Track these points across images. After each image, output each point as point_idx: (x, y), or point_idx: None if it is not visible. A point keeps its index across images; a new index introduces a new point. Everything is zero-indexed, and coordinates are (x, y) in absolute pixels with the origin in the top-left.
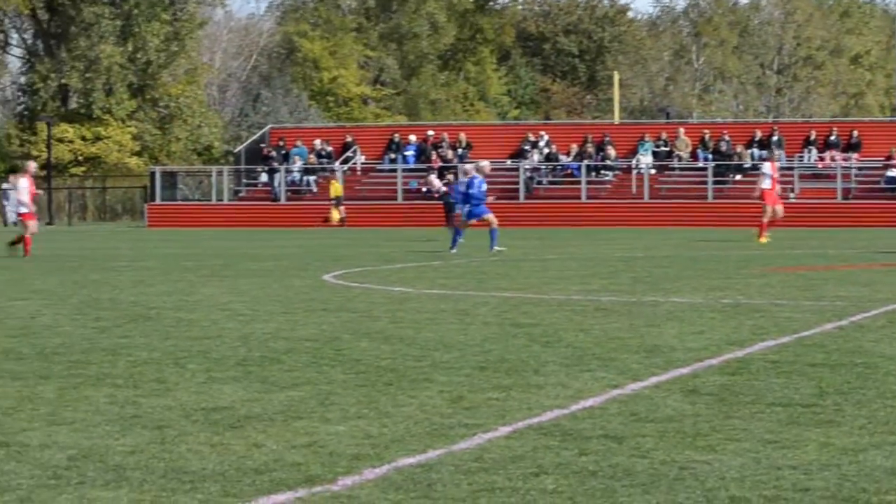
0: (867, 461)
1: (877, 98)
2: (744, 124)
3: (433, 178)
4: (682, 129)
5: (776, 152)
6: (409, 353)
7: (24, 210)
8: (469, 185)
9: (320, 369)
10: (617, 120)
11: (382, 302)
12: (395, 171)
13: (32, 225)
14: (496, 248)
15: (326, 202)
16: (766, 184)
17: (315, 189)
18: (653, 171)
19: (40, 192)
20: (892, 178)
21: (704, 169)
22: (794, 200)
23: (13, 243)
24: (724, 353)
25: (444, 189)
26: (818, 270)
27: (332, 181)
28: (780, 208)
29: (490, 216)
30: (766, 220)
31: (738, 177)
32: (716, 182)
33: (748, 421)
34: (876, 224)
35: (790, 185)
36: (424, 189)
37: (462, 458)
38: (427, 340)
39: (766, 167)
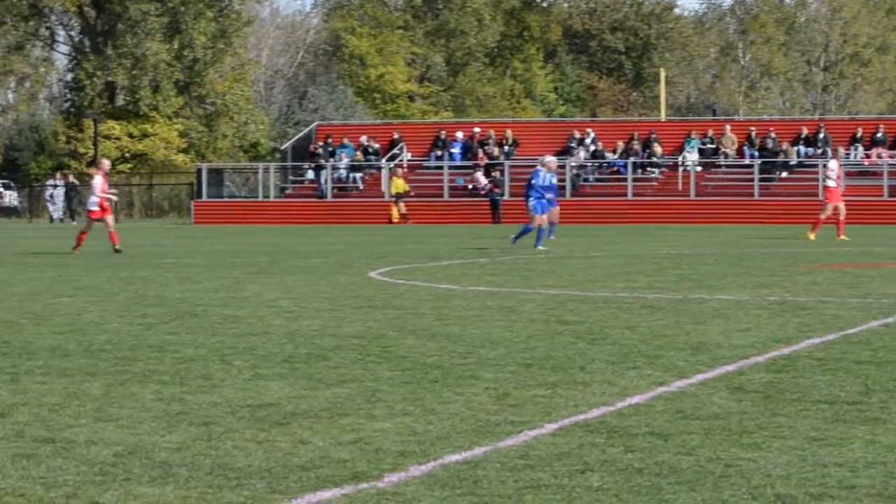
0: None
1: None
2: (790, 121)
3: (479, 175)
4: (728, 127)
5: (840, 150)
6: (455, 350)
7: (93, 208)
8: (533, 176)
9: (366, 366)
10: (663, 117)
11: (428, 299)
12: (441, 168)
13: (91, 223)
14: (540, 246)
15: (376, 199)
16: (831, 182)
17: (361, 186)
18: (699, 169)
19: (113, 192)
20: None
21: (750, 166)
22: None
23: (116, 250)
24: (769, 351)
25: (489, 186)
26: (864, 268)
27: (394, 178)
28: (842, 206)
29: (539, 215)
30: (823, 216)
31: (784, 174)
32: (762, 179)
33: (794, 418)
34: None
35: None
36: (470, 186)
37: (508, 456)
38: (473, 337)
39: (833, 164)
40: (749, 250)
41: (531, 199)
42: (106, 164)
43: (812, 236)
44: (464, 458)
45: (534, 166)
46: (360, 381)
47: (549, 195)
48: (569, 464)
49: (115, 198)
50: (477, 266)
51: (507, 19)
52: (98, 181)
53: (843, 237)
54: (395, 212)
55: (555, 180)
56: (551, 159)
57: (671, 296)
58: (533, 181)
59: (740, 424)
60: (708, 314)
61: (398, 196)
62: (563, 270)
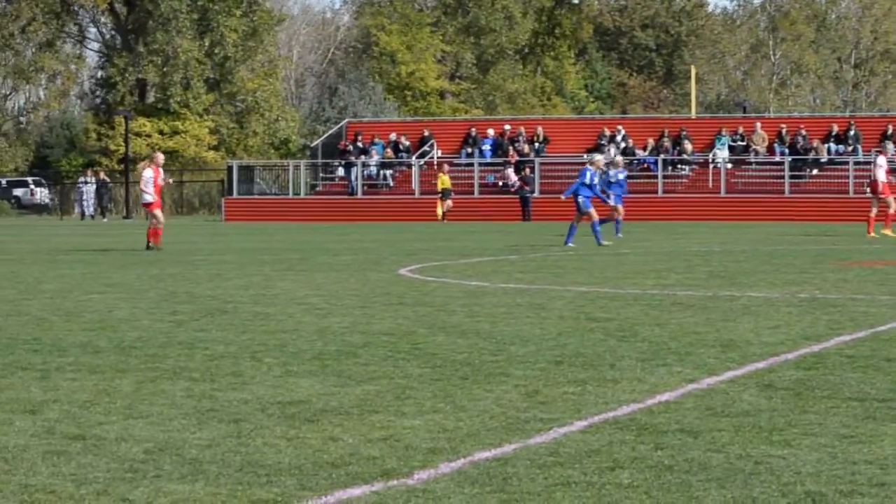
0: None
1: None
2: (820, 118)
3: (509, 172)
4: (758, 124)
5: (889, 145)
6: (485, 347)
7: (148, 199)
8: (580, 175)
9: (396, 363)
10: (694, 114)
11: (458, 296)
12: (471, 165)
13: (158, 214)
14: (570, 244)
15: (406, 196)
16: (882, 176)
17: (392, 183)
18: (729, 166)
19: (167, 182)
20: None
21: (781, 163)
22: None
23: (149, 246)
24: (799, 348)
25: (519, 183)
26: (895, 265)
27: (440, 175)
28: (891, 200)
29: (591, 210)
30: (892, 210)
31: (815, 171)
32: (792, 177)
33: (824, 416)
34: None
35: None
36: (501, 183)
37: (537, 453)
38: (503, 334)
39: (882, 160)
40: (779, 247)
41: (580, 196)
42: (160, 157)
43: (889, 232)
44: (493, 455)
45: (572, 164)
46: (390, 379)
47: (586, 193)
48: (598, 461)
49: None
50: (507, 263)
51: (538, 16)
52: (149, 174)
53: (890, 232)
54: (439, 208)
55: (622, 176)
56: (599, 157)
57: (701, 293)
58: (580, 180)
59: (770, 422)
60: (738, 311)
61: (444, 193)
62: (592, 268)
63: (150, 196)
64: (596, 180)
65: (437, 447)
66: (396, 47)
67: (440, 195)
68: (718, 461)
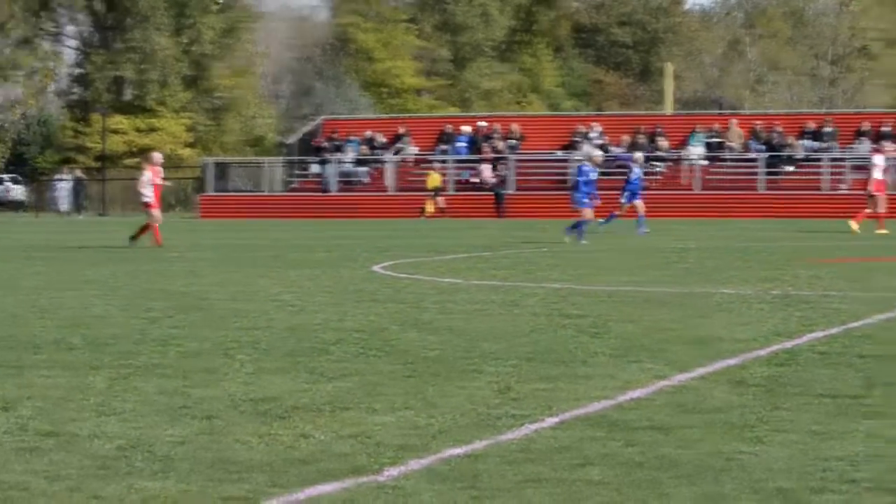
0: None
1: None
2: (796, 115)
3: (484, 168)
4: (734, 121)
5: (887, 144)
6: (458, 343)
7: (146, 199)
8: (578, 173)
9: (368, 360)
10: (669, 111)
11: (431, 293)
12: (446, 161)
13: (156, 213)
14: (568, 238)
15: (381, 194)
16: (878, 175)
17: (367, 180)
18: (705, 163)
19: (164, 182)
20: None
21: (756, 160)
22: (845, 192)
23: (133, 237)
24: (772, 345)
25: (494, 180)
26: (868, 261)
27: (431, 172)
28: (881, 199)
29: (587, 210)
30: (880, 210)
31: (791, 168)
32: (767, 173)
33: (795, 412)
34: None
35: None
36: (476, 180)
37: (508, 449)
38: (475, 331)
39: (879, 159)
40: (754, 244)
41: (577, 193)
42: (157, 157)
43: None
44: (464, 451)
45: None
46: (362, 375)
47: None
48: (569, 457)
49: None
50: (481, 260)
51: (515, 13)
52: (148, 175)
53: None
54: (429, 206)
55: (635, 175)
56: (597, 153)
57: (675, 289)
58: (579, 178)
59: (741, 418)
60: (711, 308)
61: (435, 190)
62: (566, 264)
63: (149, 197)
64: (593, 176)
65: (407, 444)
66: (372, 45)
67: (431, 193)
68: (689, 458)
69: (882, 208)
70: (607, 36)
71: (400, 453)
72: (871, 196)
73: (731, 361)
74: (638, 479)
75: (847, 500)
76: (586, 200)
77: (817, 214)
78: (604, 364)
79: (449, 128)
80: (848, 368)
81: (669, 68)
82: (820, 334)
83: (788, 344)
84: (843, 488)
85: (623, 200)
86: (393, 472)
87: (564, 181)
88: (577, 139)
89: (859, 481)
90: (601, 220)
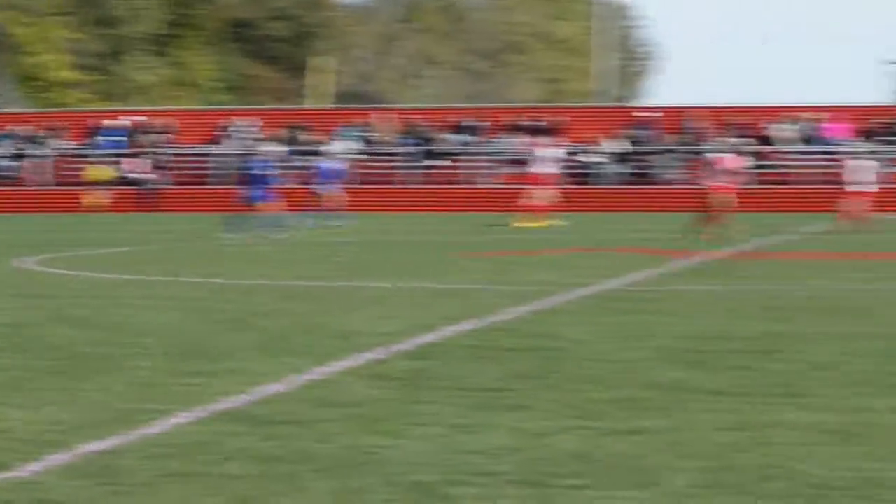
0: (554, 445)
1: (579, 84)
2: (448, 109)
3: (139, 162)
4: (387, 115)
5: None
6: (103, 338)
7: None
8: (254, 166)
9: (14, 356)
10: (321, 105)
11: (82, 287)
12: (101, 155)
13: None
14: (231, 235)
15: (38, 188)
16: (539, 167)
17: (19, 175)
18: (359, 157)
19: None
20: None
21: (409, 154)
22: (499, 186)
23: None
24: (415, 338)
25: (148, 174)
26: (518, 255)
27: (94, 166)
28: (539, 192)
29: (265, 204)
30: (535, 202)
31: (447, 162)
32: (422, 167)
33: (438, 405)
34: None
35: (494, 171)
36: (133, 175)
37: (148, 444)
38: (123, 326)
39: (541, 152)
40: (408, 238)
41: (253, 189)
42: None
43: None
44: (103, 447)
45: (199, 155)
46: (7, 371)
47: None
48: (209, 452)
49: None
50: (132, 255)
51: (173, 7)
52: None
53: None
54: (88, 198)
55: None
56: (275, 148)
57: (323, 284)
58: (254, 171)
59: (381, 412)
60: (359, 302)
61: (94, 184)
62: (222, 258)
63: None
64: (269, 171)
65: (49, 440)
66: (29, 39)
67: (92, 186)
68: (327, 451)
69: (541, 201)
70: (262, 30)
71: (41, 449)
72: (529, 189)
73: (374, 355)
74: (276, 472)
75: (486, 493)
76: (260, 195)
77: (471, 209)
78: (246, 358)
79: (105, 122)
80: (490, 361)
81: (320, 62)
82: (465, 327)
83: (432, 337)
84: (483, 481)
85: (320, 191)
86: (34, 467)
87: (220, 175)
88: (224, 133)
89: (500, 474)
90: (296, 214)
